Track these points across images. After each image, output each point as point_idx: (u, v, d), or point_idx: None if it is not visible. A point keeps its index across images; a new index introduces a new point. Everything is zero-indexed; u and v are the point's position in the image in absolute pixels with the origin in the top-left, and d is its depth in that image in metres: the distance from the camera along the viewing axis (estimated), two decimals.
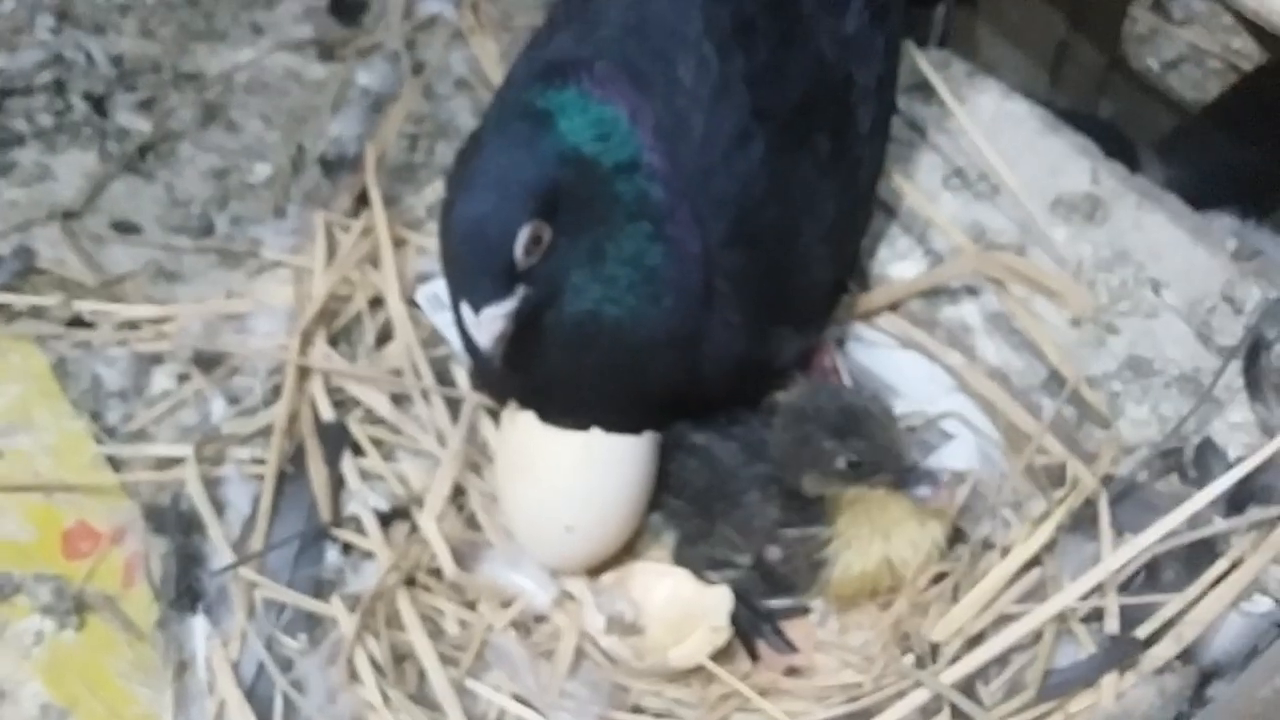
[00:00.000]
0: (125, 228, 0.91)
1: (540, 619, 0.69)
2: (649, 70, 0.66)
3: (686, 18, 0.68)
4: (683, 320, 0.66)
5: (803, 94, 0.70)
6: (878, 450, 0.64)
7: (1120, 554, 0.63)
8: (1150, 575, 0.66)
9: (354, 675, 0.62)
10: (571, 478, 0.68)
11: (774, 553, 0.68)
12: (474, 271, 0.61)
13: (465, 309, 0.60)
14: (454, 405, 0.77)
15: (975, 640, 0.64)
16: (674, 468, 0.71)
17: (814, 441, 0.65)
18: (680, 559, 0.70)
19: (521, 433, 0.69)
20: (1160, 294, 0.78)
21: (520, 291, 0.61)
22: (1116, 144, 0.89)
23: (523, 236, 0.60)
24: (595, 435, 0.67)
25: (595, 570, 0.70)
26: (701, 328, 0.67)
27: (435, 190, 0.90)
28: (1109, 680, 0.60)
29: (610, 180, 0.63)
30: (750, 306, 0.68)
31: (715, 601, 0.67)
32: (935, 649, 0.64)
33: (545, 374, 0.67)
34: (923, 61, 0.85)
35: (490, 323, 0.60)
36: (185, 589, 0.65)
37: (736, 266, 0.67)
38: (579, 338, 0.64)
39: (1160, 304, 0.78)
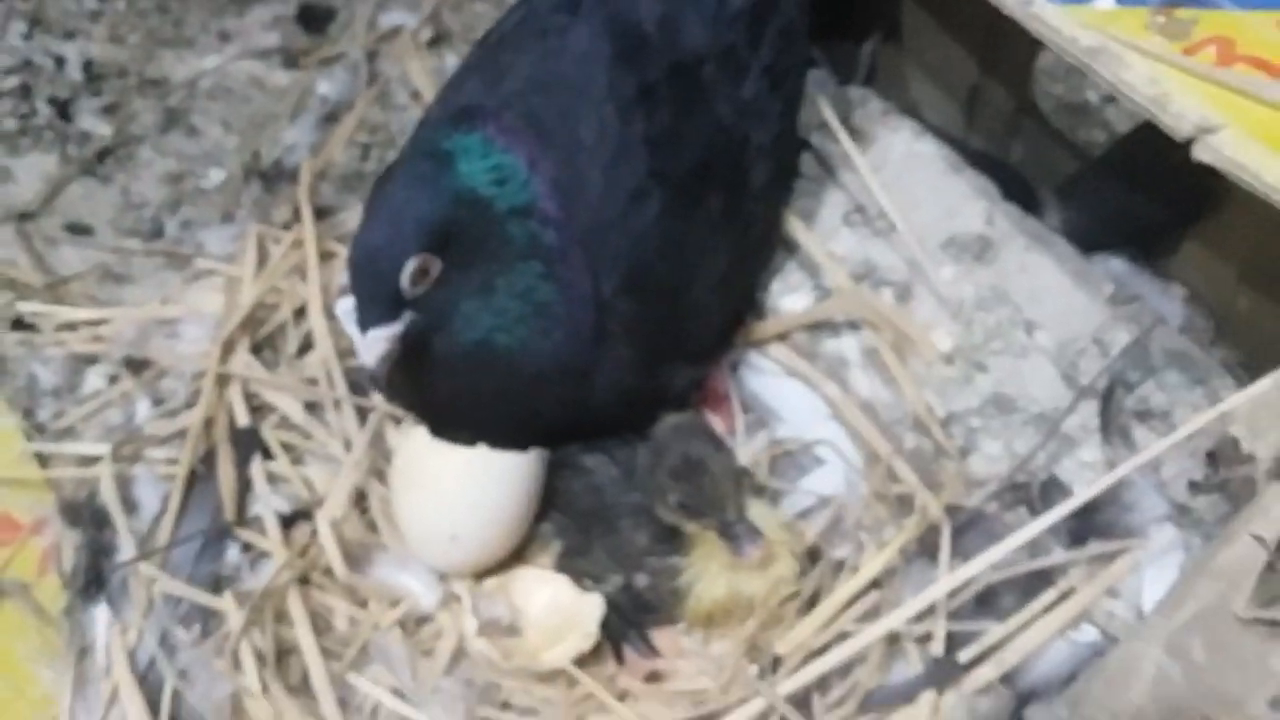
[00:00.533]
0: (78, 229, 0.97)
1: (425, 619, 0.74)
2: (552, 126, 0.71)
3: (592, 79, 0.73)
4: (573, 355, 0.71)
5: (700, 157, 0.75)
6: (703, 499, 0.70)
7: (951, 577, 0.68)
8: (988, 602, 0.71)
9: (237, 665, 0.68)
10: (457, 489, 0.73)
11: (641, 580, 0.73)
12: (364, 296, 0.66)
13: (355, 330, 0.66)
14: (365, 414, 0.82)
15: (818, 654, 0.69)
16: (562, 486, 0.76)
17: (657, 476, 0.71)
18: (562, 568, 0.76)
19: (415, 445, 0.74)
20: (1033, 335, 0.82)
21: (407, 317, 0.66)
22: (1018, 187, 0.93)
23: (409, 267, 0.65)
24: (482, 451, 0.73)
25: (481, 574, 0.75)
26: (592, 362, 0.72)
27: None
28: (927, 698, 0.65)
29: (503, 221, 0.68)
30: (642, 346, 0.73)
31: (588, 608, 0.73)
32: (777, 661, 0.69)
33: (436, 394, 0.72)
34: (825, 108, 0.90)
35: (374, 344, 0.65)
36: (92, 579, 0.71)
37: (628, 313, 0.72)
38: (469, 364, 0.70)
39: (1031, 345, 0.82)
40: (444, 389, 0.71)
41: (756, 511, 0.73)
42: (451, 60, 1.09)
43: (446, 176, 0.67)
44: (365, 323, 0.66)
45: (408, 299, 0.66)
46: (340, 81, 1.08)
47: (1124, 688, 0.54)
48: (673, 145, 0.73)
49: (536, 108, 0.72)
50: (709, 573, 0.72)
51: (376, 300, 0.66)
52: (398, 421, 0.81)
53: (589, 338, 0.71)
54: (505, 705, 0.70)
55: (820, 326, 0.83)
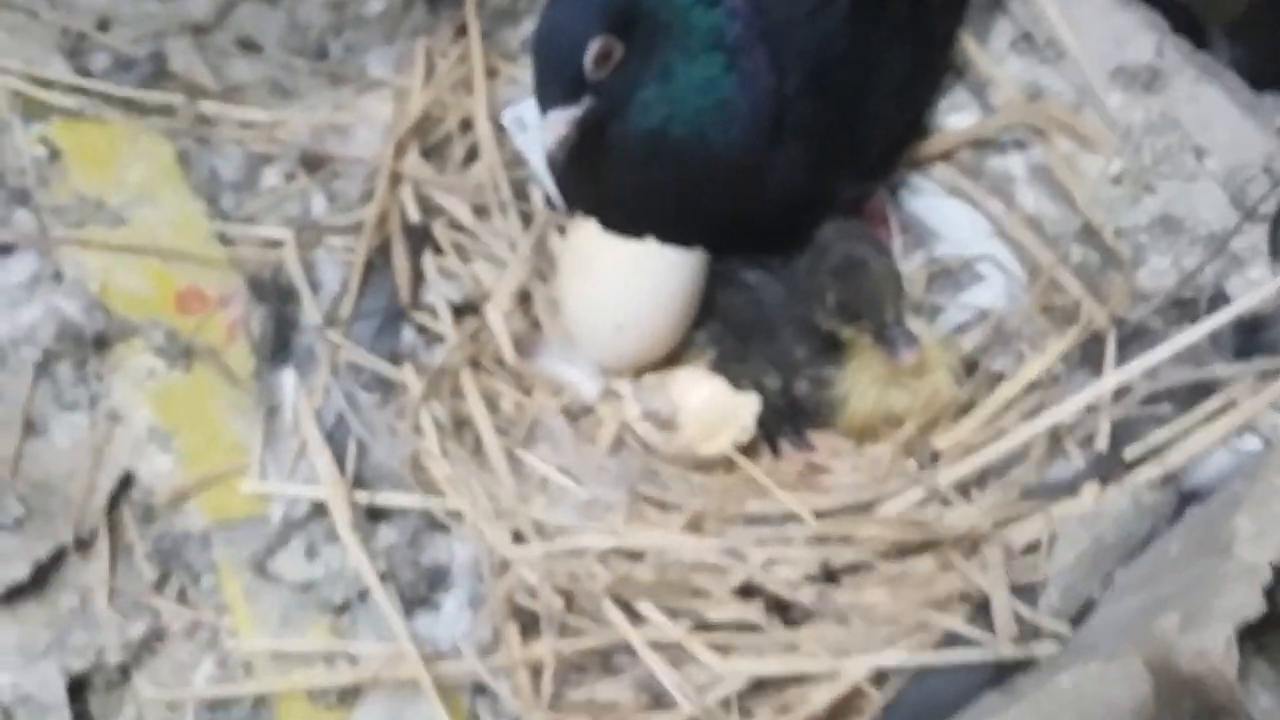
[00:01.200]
0: (249, 45, 0.99)
1: (587, 410, 0.76)
2: None
3: None
4: (748, 151, 0.72)
5: None
6: (860, 299, 0.70)
7: (1116, 375, 0.68)
8: (1151, 410, 0.71)
9: (417, 429, 0.71)
10: (624, 281, 0.75)
11: (801, 387, 0.74)
12: (546, 78, 0.68)
13: (536, 111, 0.67)
14: (528, 220, 0.84)
15: (977, 450, 0.70)
16: (723, 299, 0.77)
17: (818, 275, 0.72)
18: (719, 373, 0.77)
19: (583, 238, 0.76)
20: (1202, 160, 0.81)
21: (587, 100, 0.67)
22: (1188, 23, 0.92)
23: (592, 49, 0.66)
24: (649, 245, 0.74)
25: (640, 371, 0.77)
26: (766, 161, 0.73)
27: (530, 26, 0.96)
28: (1090, 489, 0.66)
29: (689, 11, 0.69)
30: (816, 150, 0.74)
31: (745, 405, 0.74)
32: (936, 456, 0.70)
33: (609, 184, 0.74)
34: None
35: (555, 125, 0.67)
36: (279, 347, 0.75)
37: (808, 113, 0.73)
38: (644, 153, 0.71)
39: (1201, 169, 0.81)
40: (618, 180, 0.73)
41: (914, 326, 0.73)
42: None
43: None
44: (546, 104, 0.67)
45: (589, 82, 0.67)
46: None
47: None
48: None
49: None
50: (861, 384, 0.73)
51: (559, 81, 0.67)
52: (561, 230, 0.83)
53: (765, 135, 0.72)
54: (665, 487, 0.72)
55: (986, 144, 0.83)
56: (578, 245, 0.77)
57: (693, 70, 0.69)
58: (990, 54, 0.87)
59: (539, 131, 0.68)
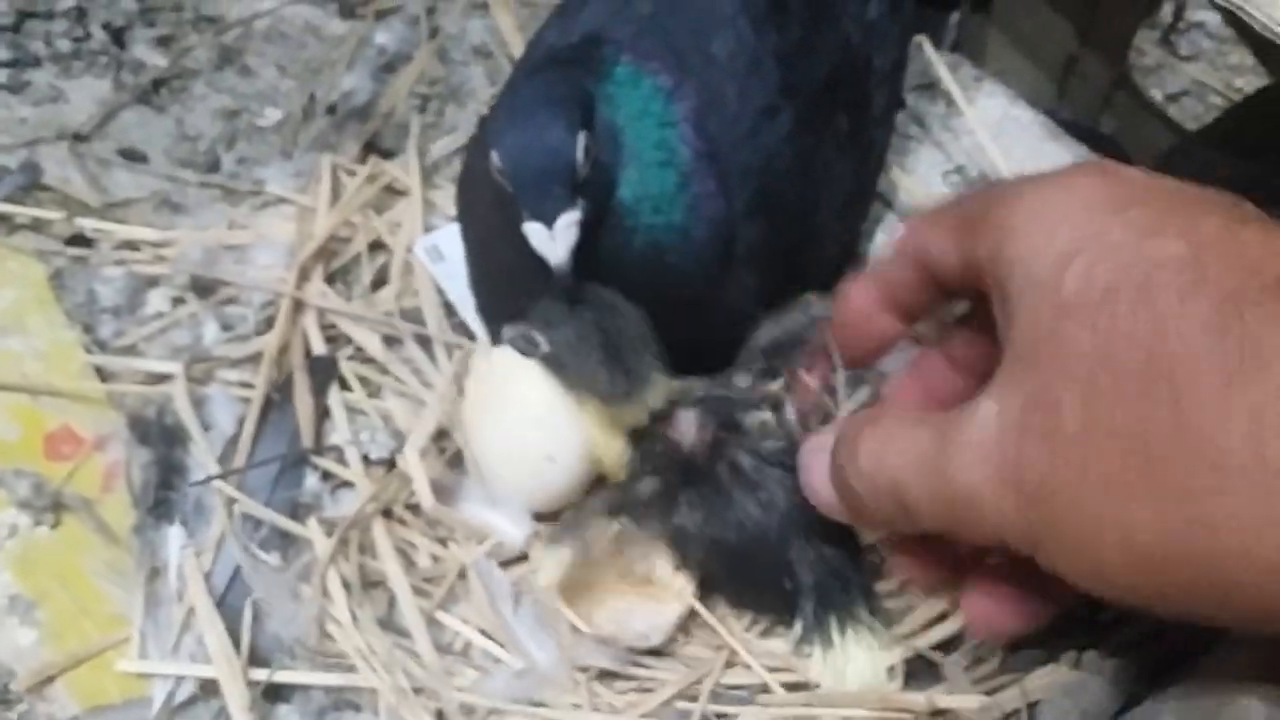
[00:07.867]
0: (132, 155, 0.92)
1: (516, 558, 0.69)
2: (686, 47, 0.68)
3: None
4: (703, 279, 0.67)
5: (828, 74, 0.72)
6: None
7: None
8: None
9: (325, 594, 0.63)
10: (549, 407, 0.67)
11: None
12: (540, 183, 0.59)
13: (536, 229, 0.59)
14: (449, 350, 0.77)
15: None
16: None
17: None
18: None
19: (499, 365, 0.68)
20: None
21: (580, 203, 0.60)
22: (1115, 157, 0.91)
23: (582, 142, 0.59)
24: None
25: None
26: (717, 288, 0.68)
27: (442, 147, 0.91)
28: (1067, 656, 0.61)
29: (640, 120, 0.64)
30: (765, 274, 0.70)
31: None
32: None
33: None
34: (935, 59, 0.87)
35: (566, 231, 0.59)
36: (164, 498, 0.66)
37: (757, 236, 0.68)
38: (638, 261, 0.65)
39: None
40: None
41: None
42: (509, 20, 1.05)
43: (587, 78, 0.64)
44: (551, 212, 0.59)
45: (580, 180, 0.60)
46: (398, 34, 1.05)
47: None
48: (803, 60, 0.70)
49: (670, 30, 0.68)
50: None
51: (557, 183, 0.59)
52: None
53: (717, 262, 0.67)
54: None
55: None
56: (490, 374, 0.69)
57: (647, 182, 0.63)
58: (923, 185, 0.85)
59: (548, 244, 0.59)
